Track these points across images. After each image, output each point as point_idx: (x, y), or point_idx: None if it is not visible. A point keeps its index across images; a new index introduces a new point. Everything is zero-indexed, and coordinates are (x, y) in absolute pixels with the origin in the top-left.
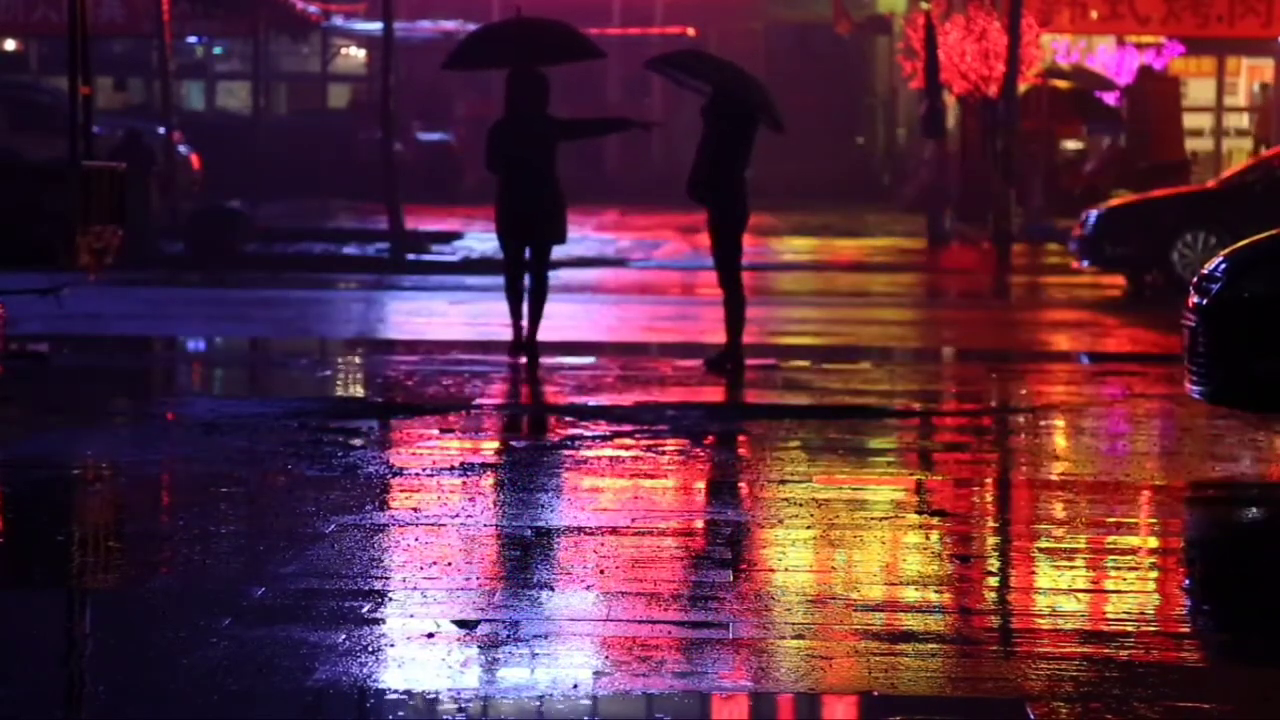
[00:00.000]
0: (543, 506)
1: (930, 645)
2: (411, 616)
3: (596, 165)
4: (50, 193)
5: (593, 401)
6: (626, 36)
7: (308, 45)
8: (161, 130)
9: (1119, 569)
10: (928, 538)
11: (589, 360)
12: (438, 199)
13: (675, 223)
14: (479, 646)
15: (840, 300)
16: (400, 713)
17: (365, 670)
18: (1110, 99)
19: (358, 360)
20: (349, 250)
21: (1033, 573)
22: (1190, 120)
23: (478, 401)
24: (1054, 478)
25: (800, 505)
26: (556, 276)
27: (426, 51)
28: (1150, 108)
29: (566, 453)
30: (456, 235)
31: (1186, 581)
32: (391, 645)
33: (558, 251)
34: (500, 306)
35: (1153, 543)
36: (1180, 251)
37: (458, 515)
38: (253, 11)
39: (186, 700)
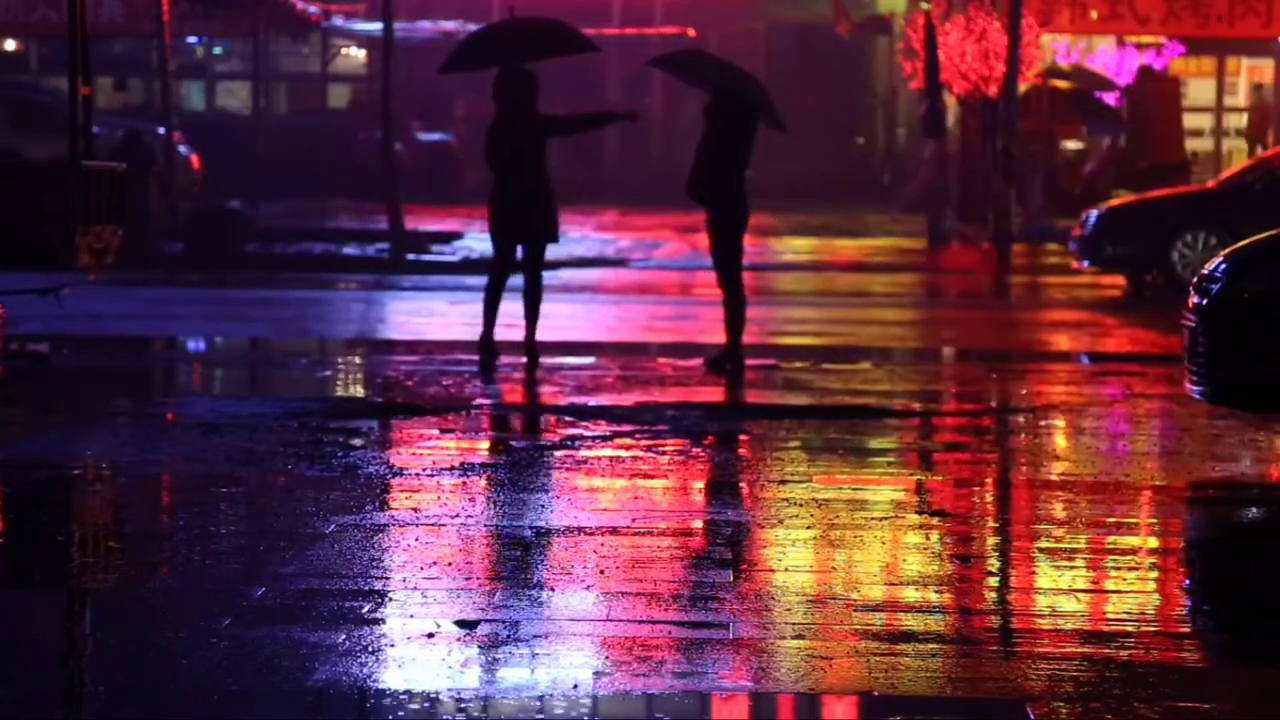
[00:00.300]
0: (543, 506)
1: (930, 645)
2: (411, 616)
3: (596, 165)
4: (50, 193)
5: (593, 401)
6: (626, 36)
7: (308, 45)
8: (161, 130)
9: (1119, 569)
10: (928, 538)
11: (589, 360)
12: (438, 199)
13: (675, 223)
14: (479, 646)
15: (840, 300)
16: (400, 713)
17: (365, 670)
18: (1110, 99)
19: (358, 360)
20: (349, 250)
21: (1033, 573)
22: (1190, 120)
23: (478, 401)
24: (1054, 478)
25: (800, 505)
26: (556, 276)
27: (426, 51)
28: (1150, 108)
29: (566, 453)
30: (456, 235)
31: (1186, 581)
32: (391, 645)
33: (559, 252)
34: (502, 306)
35: (1153, 543)
36: (1180, 251)
37: (458, 515)
38: (253, 11)
39: (186, 700)
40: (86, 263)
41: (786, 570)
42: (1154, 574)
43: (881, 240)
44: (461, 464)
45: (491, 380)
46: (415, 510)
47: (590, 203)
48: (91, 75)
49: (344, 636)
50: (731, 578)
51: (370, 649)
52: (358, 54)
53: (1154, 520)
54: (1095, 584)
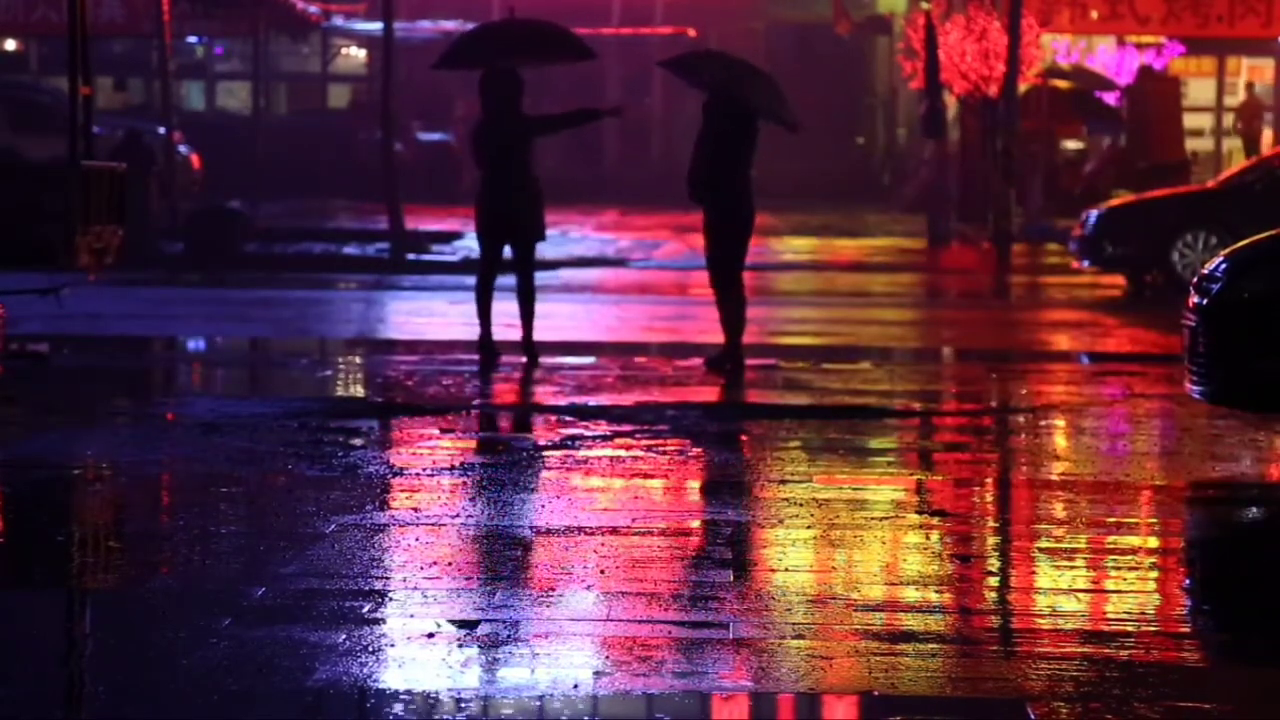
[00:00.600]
0: (543, 506)
1: (930, 645)
2: (411, 616)
3: (596, 165)
4: (50, 193)
5: (593, 401)
6: (627, 36)
7: (308, 45)
8: (161, 130)
9: (1119, 569)
10: (928, 538)
11: (589, 360)
12: (438, 199)
13: (675, 223)
14: (479, 646)
15: (840, 300)
16: (400, 713)
17: (365, 670)
18: (1110, 99)
19: (358, 360)
20: (349, 250)
21: (1033, 573)
22: (1190, 120)
23: (477, 401)
24: (1054, 478)
25: (800, 505)
26: (556, 276)
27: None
28: (1150, 108)
29: (566, 453)
30: (456, 235)
31: (1186, 581)
32: (391, 645)
33: (559, 251)
34: (499, 306)
35: (1153, 543)
36: (1180, 251)
37: (458, 515)
38: (253, 11)
39: (186, 700)
40: (86, 263)
41: (786, 570)
42: (1154, 574)
43: (881, 240)
44: (461, 464)
45: (491, 380)
46: (415, 510)
47: (590, 203)
48: (91, 75)
49: (344, 636)
50: (731, 578)
51: (370, 649)
52: (358, 54)
53: (1154, 520)
54: (1095, 584)
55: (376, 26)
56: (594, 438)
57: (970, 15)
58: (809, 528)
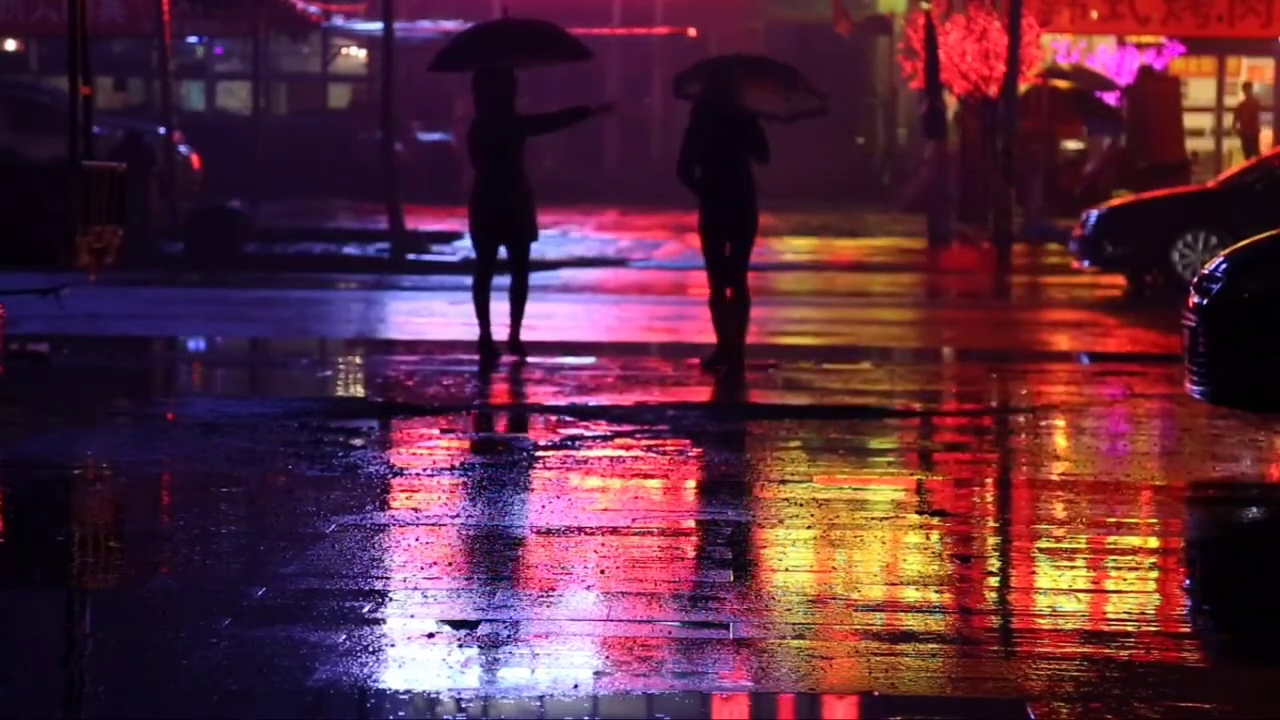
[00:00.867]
0: (543, 506)
1: (931, 645)
2: (411, 616)
3: (596, 165)
4: (50, 193)
5: (593, 401)
6: (626, 36)
7: (308, 45)
8: (161, 130)
9: (1119, 569)
10: (928, 538)
11: (589, 360)
12: (438, 199)
13: (675, 223)
14: (479, 646)
15: (840, 300)
16: (400, 713)
17: (365, 670)
18: (1110, 99)
19: (358, 360)
20: (349, 250)
21: (1033, 573)
22: (1190, 120)
23: (478, 401)
24: (1054, 478)
25: (801, 505)
26: (556, 276)
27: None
28: (1150, 108)
29: (567, 453)
30: (456, 235)
31: (1186, 581)
32: (391, 645)
33: (560, 251)
34: (497, 306)
35: (1153, 543)
36: (1180, 251)
37: (458, 515)
38: (253, 11)
39: (186, 700)
40: (86, 263)
41: (787, 570)
42: (1154, 574)
43: (881, 240)
44: (461, 464)
45: (491, 380)
46: (415, 510)
47: (590, 203)
48: (91, 75)
49: (344, 636)
50: (731, 578)
51: (370, 649)
52: (358, 54)
53: (1154, 520)
54: (1095, 584)
55: (376, 26)
56: (594, 438)
57: (970, 15)
58: (809, 528)
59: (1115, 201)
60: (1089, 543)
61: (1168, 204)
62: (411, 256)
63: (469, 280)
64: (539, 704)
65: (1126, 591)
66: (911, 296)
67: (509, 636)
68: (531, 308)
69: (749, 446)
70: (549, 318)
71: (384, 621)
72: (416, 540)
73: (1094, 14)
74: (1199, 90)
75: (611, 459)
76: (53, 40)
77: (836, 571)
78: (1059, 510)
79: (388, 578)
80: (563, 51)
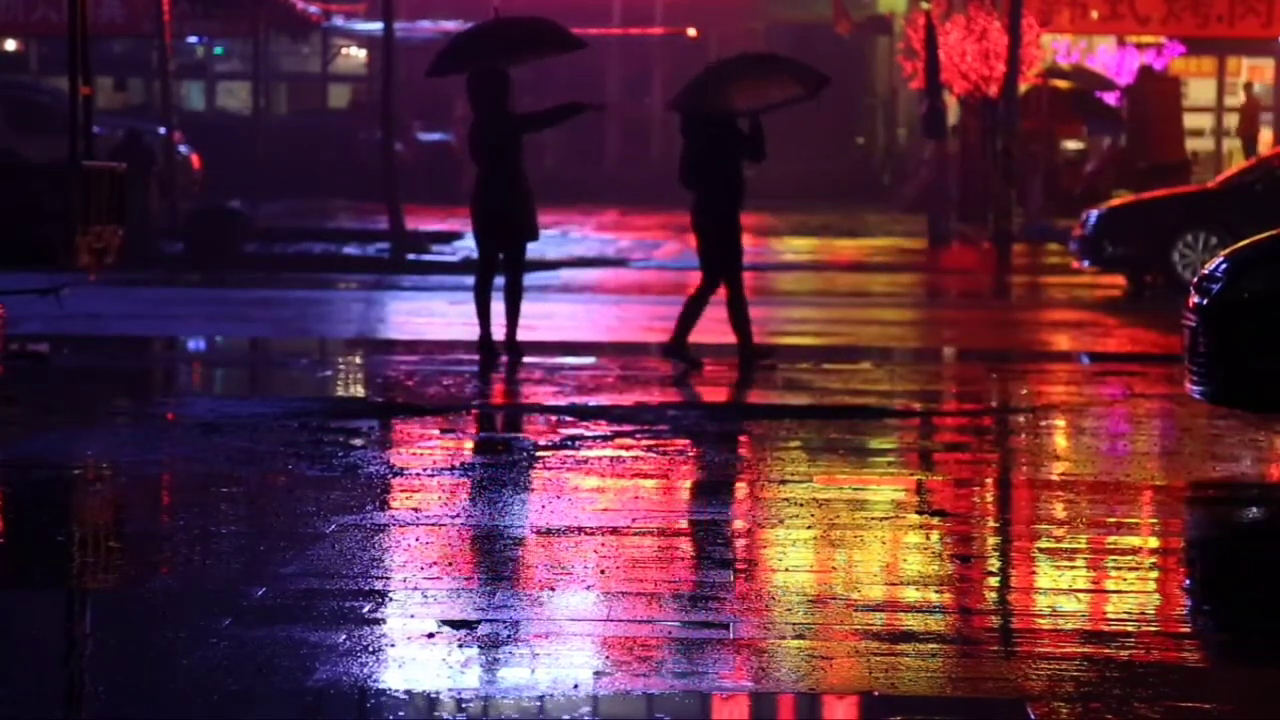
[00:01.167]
0: (543, 506)
1: (931, 645)
2: (411, 616)
3: (596, 164)
4: (50, 193)
5: (593, 401)
6: (626, 36)
7: (308, 45)
8: (161, 130)
9: (1119, 569)
10: (928, 538)
11: (589, 360)
12: (438, 199)
13: (675, 223)
14: (479, 646)
15: (840, 300)
16: (400, 713)
17: (365, 670)
18: (1110, 99)
19: (358, 360)
20: (349, 250)
21: (1033, 573)
22: (1190, 120)
23: (478, 401)
24: (1054, 478)
25: (801, 505)
26: (556, 276)
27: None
28: (1150, 108)
29: (567, 452)
30: (456, 235)
31: (1186, 581)
32: (391, 645)
33: (560, 251)
34: (499, 306)
35: (1153, 543)
36: (1180, 251)
37: (458, 515)
38: (253, 11)
39: (186, 700)
40: (86, 263)
41: (787, 570)
42: (1154, 574)
43: (881, 240)
44: (461, 464)
45: (491, 380)
46: (415, 510)
47: (590, 203)
48: (91, 75)
49: (344, 636)
50: (731, 578)
51: (370, 649)
52: (358, 54)
53: (1154, 520)
54: (1095, 584)
55: (376, 26)
56: (594, 438)
57: (970, 15)
58: (809, 528)
59: (1115, 201)
60: (1089, 543)
61: (1168, 204)
62: (411, 256)
63: (469, 280)
64: (539, 704)
65: (1126, 591)
66: (911, 296)
67: (509, 636)
68: (531, 308)
69: (749, 446)
70: (549, 318)
71: (384, 621)
72: (416, 540)
73: (1094, 14)
74: (1199, 90)
75: (611, 459)
76: (53, 40)
77: (836, 571)
78: (1059, 510)
79: (388, 578)
80: (556, 44)
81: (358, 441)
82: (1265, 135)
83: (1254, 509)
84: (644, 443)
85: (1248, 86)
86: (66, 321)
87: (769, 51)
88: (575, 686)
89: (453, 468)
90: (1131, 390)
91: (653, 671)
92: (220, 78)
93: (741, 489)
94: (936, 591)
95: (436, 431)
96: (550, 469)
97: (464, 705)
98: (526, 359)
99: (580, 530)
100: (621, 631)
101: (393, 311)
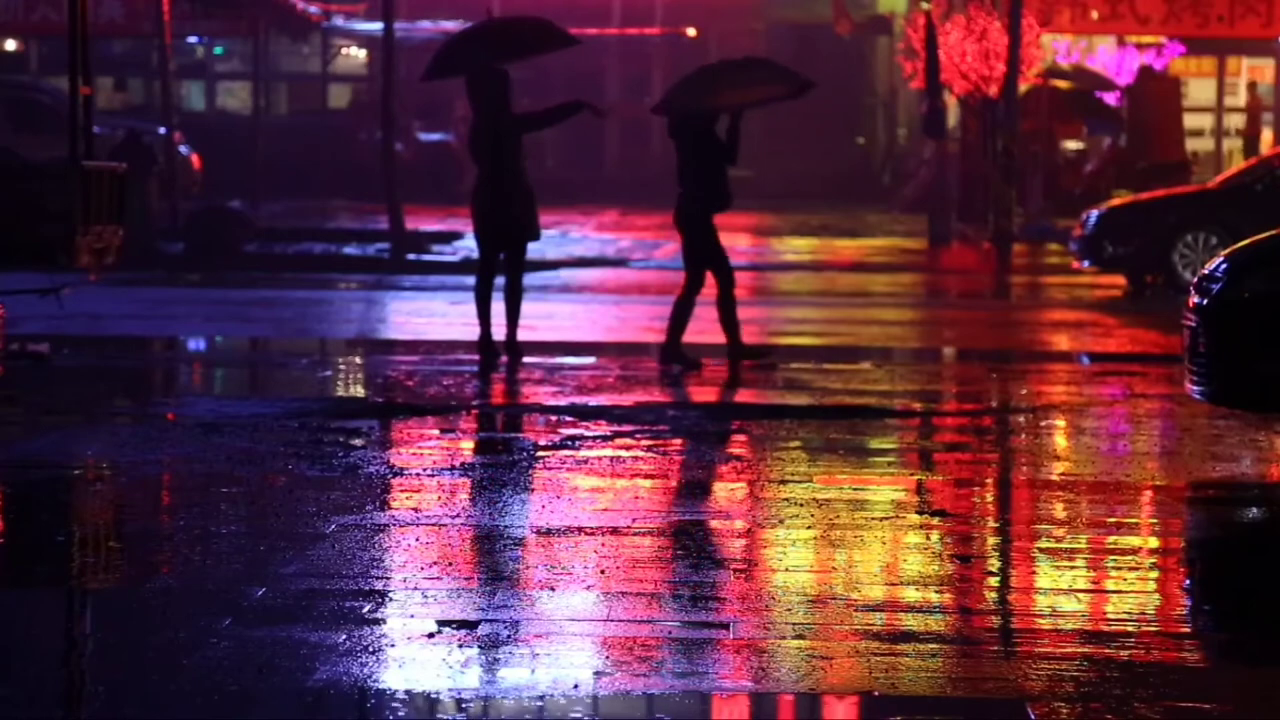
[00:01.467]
0: (543, 506)
1: (931, 645)
2: (411, 616)
3: (596, 164)
4: (50, 193)
5: (593, 401)
6: (626, 36)
7: (308, 45)
8: (161, 130)
9: (1119, 569)
10: (928, 538)
11: (589, 360)
12: (438, 199)
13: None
14: (479, 646)
15: (840, 300)
16: (400, 713)
17: (365, 670)
18: (1110, 99)
19: (358, 360)
20: (349, 250)
21: (1033, 573)
22: (1190, 120)
23: (478, 401)
24: (1054, 478)
25: (801, 505)
26: (556, 276)
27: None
28: (1150, 108)
29: (567, 453)
30: (456, 235)
31: (1186, 581)
32: (391, 645)
33: (560, 251)
34: (499, 306)
35: (1153, 543)
36: (1180, 251)
37: (458, 515)
38: (253, 11)
39: (186, 700)
40: (87, 263)
41: (787, 570)
42: (1154, 574)
43: (882, 240)
44: (462, 464)
45: (491, 380)
46: (415, 510)
47: (590, 203)
48: (91, 75)
49: (344, 636)
50: (732, 578)
51: (370, 649)
52: (358, 54)
53: (1154, 520)
54: (1095, 584)
55: (376, 26)
56: (594, 438)
57: (970, 15)
58: (809, 528)
59: (1115, 201)
60: (1089, 543)
61: (1168, 204)
62: (411, 256)
63: (469, 280)
64: (539, 704)
65: (1126, 591)
66: (912, 296)
67: (509, 636)
68: (531, 308)
69: (749, 446)
70: (549, 318)
71: (384, 621)
72: (416, 540)
73: (1094, 14)
74: (1199, 90)
75: (611, 459)
76: (53, 40)
77: (836, 571)
78: (1059, 510)
79: (388, 578)
80: (549, 42)
81: (358, 441)
82: (1266, 135)
83: (1254, 509)
84: (644, 443)
85: (1252, 86)
86: (66, 321)
87: (754, 56)
88: (575, 686)
89: (453, 468)
90: (1131, 390)
91: (653, 671)
92: (220, 78)
93: (741, 489)
94: (936, 591)
95: (436, 431)
96: (550, 469)
97: (464, 705)
98: (527, 359)
99: (580, 530)
100: (621, 631)
101: (393, 311)
